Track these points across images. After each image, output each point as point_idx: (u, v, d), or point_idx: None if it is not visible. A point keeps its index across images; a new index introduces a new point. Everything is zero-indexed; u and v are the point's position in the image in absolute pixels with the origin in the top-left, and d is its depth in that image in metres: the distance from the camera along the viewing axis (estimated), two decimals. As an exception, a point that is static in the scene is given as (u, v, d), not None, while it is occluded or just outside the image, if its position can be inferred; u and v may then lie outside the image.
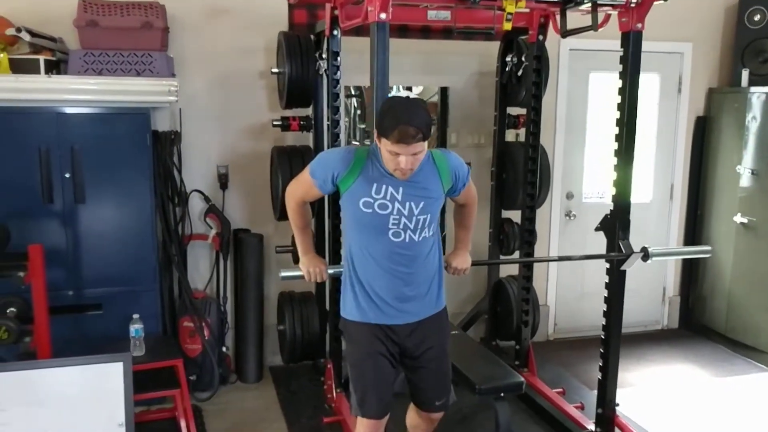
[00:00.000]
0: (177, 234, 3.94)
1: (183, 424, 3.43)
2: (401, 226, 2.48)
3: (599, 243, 4.78)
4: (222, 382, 4.07)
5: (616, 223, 3.22)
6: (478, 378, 3.26)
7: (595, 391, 4.10)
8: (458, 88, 4.66)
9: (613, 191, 3.27)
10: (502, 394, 3.29)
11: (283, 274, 2.78)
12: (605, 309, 3.33)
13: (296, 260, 4.14)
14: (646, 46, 3.06)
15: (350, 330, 2.63)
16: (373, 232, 2.50)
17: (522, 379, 3.33)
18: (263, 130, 4.29)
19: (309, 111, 4.12)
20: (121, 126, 3.62)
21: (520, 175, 4.15)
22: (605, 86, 4.91)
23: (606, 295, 3.32)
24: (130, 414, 3.06)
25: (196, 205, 4.21)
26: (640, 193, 5.30)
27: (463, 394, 3.89)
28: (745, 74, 4.82)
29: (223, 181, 4.23)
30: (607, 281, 3.32)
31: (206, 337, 3.92)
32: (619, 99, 3.16)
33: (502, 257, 4.31)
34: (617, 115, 3.17)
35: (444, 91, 5.04)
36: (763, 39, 4.76)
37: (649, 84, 5.01)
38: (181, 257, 3.97)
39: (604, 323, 3.35)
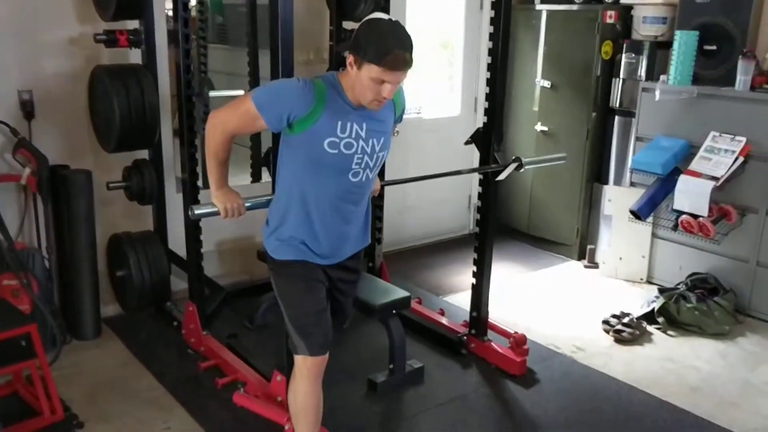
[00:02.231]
0: (-13, 176, 3.22)
1: (43, 397, 2.91)
2: (363, 165, 2.29)
3: (418, 159, 5.04)
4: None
5: (492, 136, 3.33)
6: (370, 297, 3.24)
7: (443, 297, 4.42)
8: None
9: (486, 105, 3.37)
10: (394, 311, 3.33)
11: (197, 211, 2.42)
12: (479, 218, 3.48)
13: (131, 197, 3.73)
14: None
15: (285, 268, 2.41)
16: (333, 173, 2.27)
17: (408, 294, 3.40)
18: (71, 46, 3.63)
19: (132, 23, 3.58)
20: None
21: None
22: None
23: (479, 204, 3.47)
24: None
25: (-8, 139, 3.47)
26: (450, 107, 5.57)
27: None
28: (538, -8, 5.21)
29: (28, 109, 3.52)
30: (480, 192, 3.46)
31: (36, 294, 3.33)
32: (493, 14, 3.22)
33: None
34: (491, 29, 3.25)
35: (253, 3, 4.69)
36: (554, -40, 5.16)
37: (455, 0, 5.21)
38: (-6, 204, 3.27)
39: (477, 231, 3.51)
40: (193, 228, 3.45)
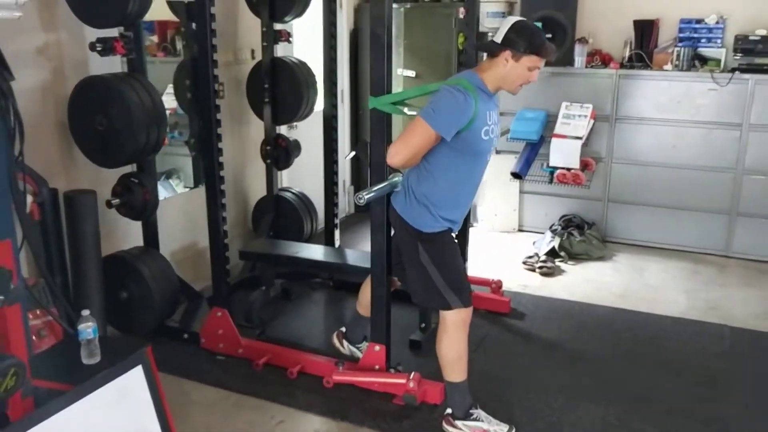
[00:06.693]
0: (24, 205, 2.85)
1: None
2: (493, 147, 2.80)
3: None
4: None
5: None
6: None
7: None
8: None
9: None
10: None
11: (367, 196, 2.67)
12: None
13: (125, 213, 3.54)
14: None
15: (436, 236, 2.80)
16: (479, 156, 2.75)
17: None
18: (38, 56, 3.30)
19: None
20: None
21: (303, 89, 4.36)
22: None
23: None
24: (164, 420, 2.45)
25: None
26: (318, 103, 5.90)
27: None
28: (385, -8, 5.81)
29: (6, 129, 3.13)
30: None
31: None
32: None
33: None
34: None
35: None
36: (396, -37, 5.82)
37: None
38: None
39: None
40: (219, 232, 3.44)
